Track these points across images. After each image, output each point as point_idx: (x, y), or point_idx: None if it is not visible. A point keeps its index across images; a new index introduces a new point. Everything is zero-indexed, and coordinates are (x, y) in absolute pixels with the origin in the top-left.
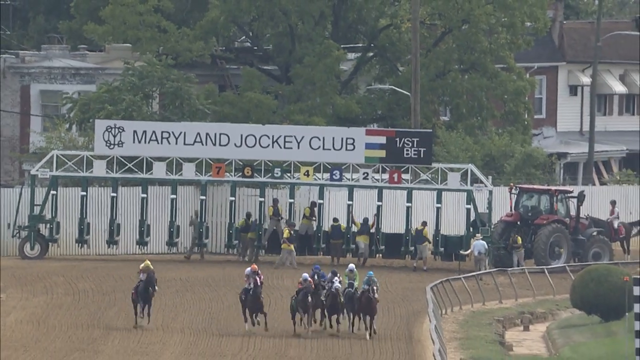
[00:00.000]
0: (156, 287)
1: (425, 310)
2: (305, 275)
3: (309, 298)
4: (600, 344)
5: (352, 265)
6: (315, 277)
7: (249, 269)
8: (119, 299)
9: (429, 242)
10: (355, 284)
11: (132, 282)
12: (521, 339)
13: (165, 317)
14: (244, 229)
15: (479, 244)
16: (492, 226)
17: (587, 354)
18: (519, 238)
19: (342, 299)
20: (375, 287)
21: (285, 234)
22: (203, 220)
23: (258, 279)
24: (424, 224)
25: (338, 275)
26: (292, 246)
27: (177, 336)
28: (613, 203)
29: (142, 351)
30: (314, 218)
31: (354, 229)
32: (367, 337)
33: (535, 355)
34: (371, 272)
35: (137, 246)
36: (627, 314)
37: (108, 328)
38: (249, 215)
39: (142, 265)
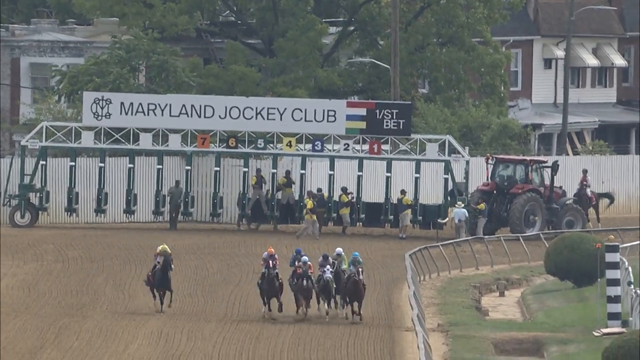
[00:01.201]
0: (172, 267)
1: (404, 276)
2: (305, 258)
3: (305, 282)
4: (573, 308)
5: (339, 250)
6: (296, 262)
7: (266, 252)
8: (107, 266)
9: (410, 210)
10: (343, 267)
11: (119, 249)
12: (497, 304)
13: None
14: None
15: (459, 211)
16: (469, 195)
17: (561, 318)
18: (482, 205)
19: (334, 285)
20: (360, 269)
21: (309, 205)
22: (188, 190)
23: (271, 262)
24: (403, 192)
25: (330, 260)
26: (314, 217)
27: (164, 301)
28: (584, 172)
29: (129, 317)
30: (293, 183)
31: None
32: (359, 320)
33: (510, 320)
34: (356, 253)
35: (125, 215)
36: (599, 279)
37: (96, 294)
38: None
39: (160, 248)
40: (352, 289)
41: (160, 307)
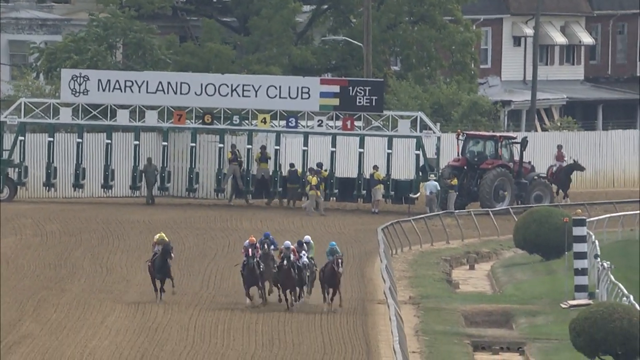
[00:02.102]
0: (172, 255)
1: (376, 250)
2: (287, 242)
3: (291, 271)
4: (541, 281)
5: (307, 237)
6: (265, 245)
7: (247, 241)
8: (84, 240)
9: (382, 185)
10: (311, 255)
11: (97, 224)
12: (467, 277)
13: (129, 257)
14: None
15: (431, 184)
16: (440, 171)
17: (529, 291)
18: (455, 180)
19: (308, 273)
20: (340, 260)
21: (313, 181)
22: (165, 165)
23: (250, 250)
24: (375, 167)
25: (305, 247)
26: (318, 192)
27: (140, 275)
28: (559, 147)
29: (107, 289)
30: (268, 158)
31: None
32: (327, 308)
33: (480, 293)
34: (334, 243)
35: (102, 190)
36: (566, 253)
37: (74, 267)
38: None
39: (157, 237)
40: (329, 277)
41: (160, 296)
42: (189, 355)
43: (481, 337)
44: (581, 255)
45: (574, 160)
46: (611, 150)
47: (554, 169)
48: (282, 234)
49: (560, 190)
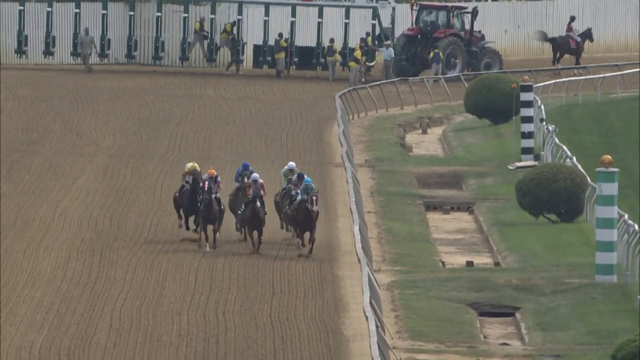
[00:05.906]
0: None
1: (334, 116)
2: (256, 175)
3: (256, 206)
4: (490, 144)
5: (292, 164)
6: (244, 179)
7: (206, 174)
8: (55, 105)
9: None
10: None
11: (67, 90)
12: (420, 141)
13: (98, 121)
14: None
15: (386, 52)
16: (395, 40)
17: (479, 153)
18: (432, 53)
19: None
20: (314, 197)
21: (358, 55)
22: (132, 34)
23: (207, 183)
24: (363, 39)
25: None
26: (357, 65)
27: (109, 139)
28: (572, 19)
29: (77, 152)
30: (232, 35)
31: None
32: (308, 253)
33: (432, 156)
34: (309, 179)
35: (71, 57)
36: (514, 117)
37: (46, 131)
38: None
39: (189, 166)
40: (304, 219)
41: (187, 226)
42: (155, 215)
43: (433, 197)
44: (528, 119)
45: (589, 29)
46: (557, 19)
47: (578, 39)
48: (244, 101)
49: (577, 58)
